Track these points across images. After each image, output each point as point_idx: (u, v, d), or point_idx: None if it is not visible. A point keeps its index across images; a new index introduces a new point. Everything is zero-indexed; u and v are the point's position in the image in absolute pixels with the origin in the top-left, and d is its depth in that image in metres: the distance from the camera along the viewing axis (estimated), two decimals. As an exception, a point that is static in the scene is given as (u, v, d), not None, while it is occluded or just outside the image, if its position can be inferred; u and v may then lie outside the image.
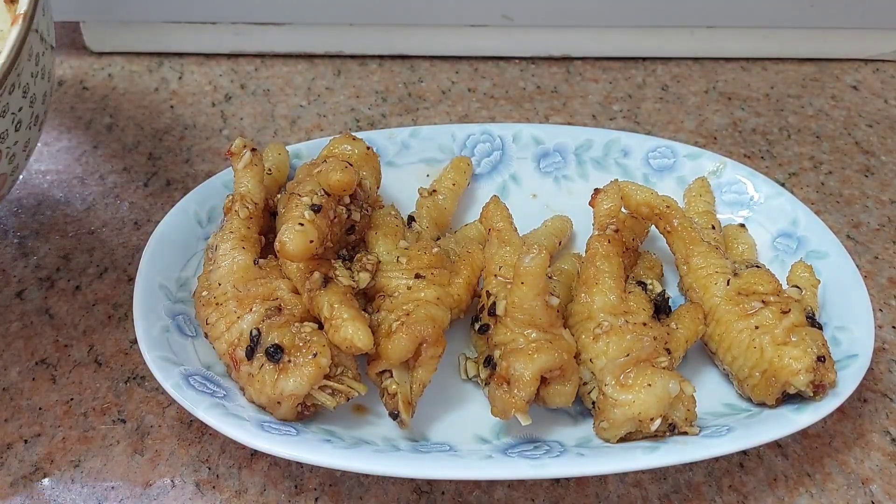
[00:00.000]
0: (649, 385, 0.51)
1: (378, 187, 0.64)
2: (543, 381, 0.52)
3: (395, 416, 0.52)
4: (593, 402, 0.53)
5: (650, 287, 0.57)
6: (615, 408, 0.51)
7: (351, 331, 0.50)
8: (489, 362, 0.53)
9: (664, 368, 0.52)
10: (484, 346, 0.56)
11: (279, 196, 0.62)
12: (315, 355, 0.50)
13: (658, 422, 0.51)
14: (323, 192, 0.56)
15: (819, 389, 0.53)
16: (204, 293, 0.55)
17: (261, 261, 0.56)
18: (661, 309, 0.57)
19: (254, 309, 0.53)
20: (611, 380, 0.52)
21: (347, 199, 0.58)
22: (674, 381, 0.51)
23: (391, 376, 0.53)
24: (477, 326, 0.56)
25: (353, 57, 0.87)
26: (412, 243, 0.58)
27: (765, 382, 0.54)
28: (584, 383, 0.54)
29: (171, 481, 0.54)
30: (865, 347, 0.56)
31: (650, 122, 0.82)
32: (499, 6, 0.83)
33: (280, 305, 0.53)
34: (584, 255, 0.60)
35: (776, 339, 0.54)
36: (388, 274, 0.56)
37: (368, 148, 0.64)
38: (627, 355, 0.52)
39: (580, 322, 0.55)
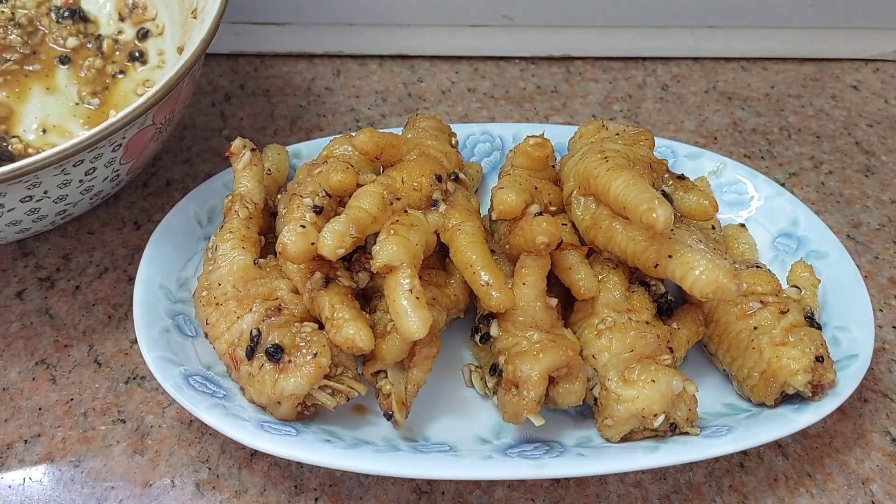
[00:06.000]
0: (653, 381, 0.51)
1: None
2: (551, 381, 0.52)
3: (389, 416, 0.52)
4: (595, 399, 0.53)
5: (654, 287, 0.57)
6: (618, 403, 0.51)
7: (353, 331, 0.50)
8: (495, 370, 0.53)
9: (667, 366, 0.52)
10: (487, 356, 0.56)
11: (279, 196, 0.62)
12: (315, 355, 0.50)
13: (661, 418, 0.51)
14: (324, 194, 0.56)
15: (818, 389, 0.53)
16: (204, 293, 0.55)
17: (261, 261, 0.56)
18: (662, 310, 0.57)
19: (254, 309, 0.53)
20: (614, 375, 0.52)
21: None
22: (677, 379, 0.51)
23: (386, 376, 0.53)
24: (478, 337, 0.56)
25: (352, 57, 0.87)
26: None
27: (764, 383, 0.54)
28: (587, 379, 0.53)
29: (171, 481, 0.54)
30: (865, 347, 0.56)
31: (650, 122, 0.82)
32: (499, 6, 0.83)
33: (280, 305, 0.53)
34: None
35: (774, 340, 0.54)
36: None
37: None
38: (631, 351, 0.52)
39: (583, 318, 0.55)
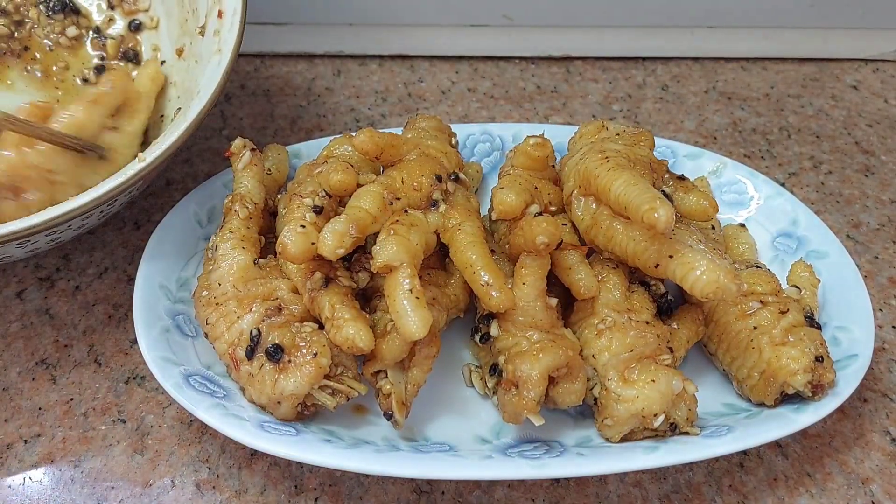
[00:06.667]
0: (653, 381, 0.51)
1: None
2: (551, 381, 0.52)
3: (389, 416, 0.52)
4: (595, 399, 0.53)
5: (654, 287, 0.57)
6: (618, 403, 0.51)
7: (353, 331, 0.50)
8: (495, 370, 0.53)
9: (667, 366, 0.52)
10: (487, 356, 0.56)
11: (279, 196, 0.62)
12: (315, 355, 0.50)
13: (661, 418, 0.51)
14: (324, 194, 0.56)
15: (817, 389, 0.53)
16: (204, 293, 0.55)
17: (261, 261, 0.56)
18: (662, 310, 0.57)
19: (254, 309, 0.53)
20: (614, 375, 0.52)
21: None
22: (677, 379, 0.51)
23: (386, 376, 0.53)
24: (478, 337, 0.56)
25: (353, 57, 0.87)
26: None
27: (763, 383, 0.54)
28: (587, 379, 0.54)
29: (171, 481, 0.54)
30: (865, 347, 0.56)
31: (650, 122, 0.82)
32: (499, 6, 0.83)
33: (280, 305, 0.53)
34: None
35: (774, 340, 0.54)
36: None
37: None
38: (631, 351, 0.52)
39: (583, 318, 0.55)
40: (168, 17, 0.73)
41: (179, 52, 0.70)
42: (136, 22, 0.73)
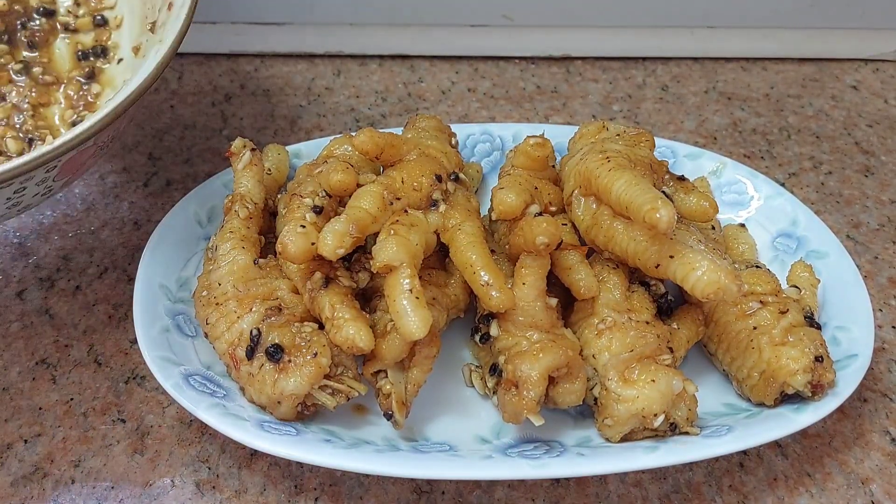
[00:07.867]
0: (653, 381, 0.51)
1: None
2: (551, 381, 0.52)
3: (389, 416, 0.52)
4: (595, 399, 0.53)
5: (654, 287, 0.57)
6: (618, 403, 0.51)
7: (353, 331, 0.50)
8: (495, 370, 0.53)
9: (667, 366, 0.52)
10: (487, 356, 0.56)
11: (279, 196, 0.62)
12: (315, 355, 0.51)
13: (661, 418, 0.51)
14: (324, 194, 0.56)
15: (817, 389, 0.53)
16: (204, 293, 0.55)
17: (261, 261, 0.56)
18: (662, 310, 0.57)
19: (254, 309, 0.53)
20: (614, 375, 0.52)
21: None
22: (677, 379, 0.51)
23: (386, 376, 0.53)
24: (477, 337, 0.56)
25: (352, 57, 0.87)
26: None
27: (763, 383, 0.54)
28: (587, 379, 0.54)
29: (171, 481, 0.54)
30: (865, 347, 0.56)
31: (650, 122, 0.82)
32: (499, 6, 0.83)
33: (280, 305, 0.53)
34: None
35: (774, 340, 0.54)
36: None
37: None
38: (631, 351, 0.52)
39: (583, 318, 0.55)
40: (131, 16, 0.70)
41: (136, 50, 0.68)
42: (102, 20, 0.71)
